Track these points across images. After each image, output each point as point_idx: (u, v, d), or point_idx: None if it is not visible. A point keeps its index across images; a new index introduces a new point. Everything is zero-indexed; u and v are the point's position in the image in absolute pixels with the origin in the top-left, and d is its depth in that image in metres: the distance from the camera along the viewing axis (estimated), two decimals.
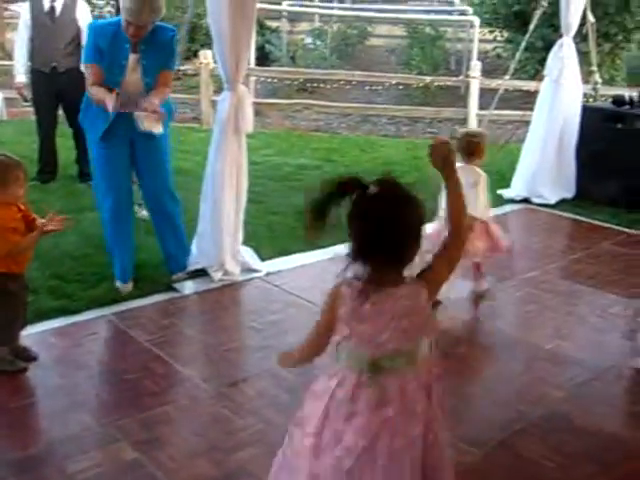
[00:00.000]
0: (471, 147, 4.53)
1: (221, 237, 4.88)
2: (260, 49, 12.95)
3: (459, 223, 2.19)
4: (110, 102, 4.24)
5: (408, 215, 2.09)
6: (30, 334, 3.79)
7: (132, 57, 4.43)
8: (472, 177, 4.37)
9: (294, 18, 16.21)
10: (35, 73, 7.02)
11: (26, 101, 7.54)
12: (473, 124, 9.85)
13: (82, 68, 6.96)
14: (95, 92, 4.40)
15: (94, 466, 3.02)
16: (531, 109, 7.46)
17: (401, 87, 12.44)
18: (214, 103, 6.90)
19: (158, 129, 4.45)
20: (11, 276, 3.58)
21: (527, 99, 9.74)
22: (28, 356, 3.75)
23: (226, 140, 4.77)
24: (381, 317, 2.12)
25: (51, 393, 3.60)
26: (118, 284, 4.70)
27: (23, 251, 3.59)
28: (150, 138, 4.50)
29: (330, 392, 2.20)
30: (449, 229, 2.20)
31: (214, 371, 3.90)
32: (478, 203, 4.40)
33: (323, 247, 5.52)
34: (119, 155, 4.56)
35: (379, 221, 2.06)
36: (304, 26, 16.50)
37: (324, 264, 5.02)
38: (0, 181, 3.43)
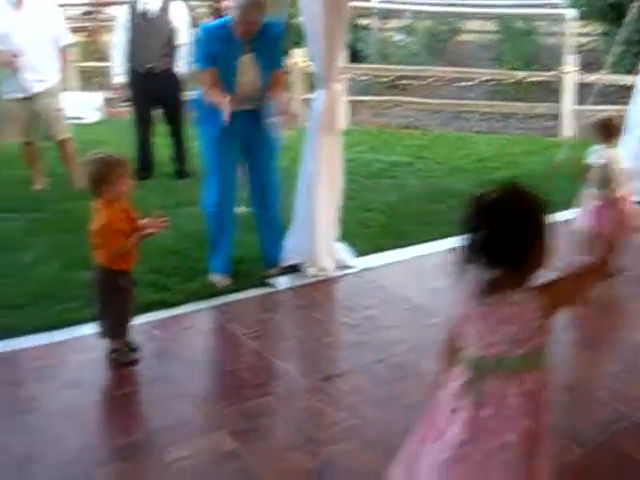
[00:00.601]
0: (611, 129, 4.76)
1: (315, 233, 4.92)
2: (351, 47, 12.95)
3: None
4: (225, 111, 4.31)
5: (532, 222, 2.07)
6: (132, 326, 3.89)
7: (245, 57, 4.51)
8: (613, 157, 4.72)
9: (384, 15, 16.14)
10: (132, 74, 7.22)
11: (124, 101, 7.77)
12: (567, 120, 9.63)
13: (176, 69, 7.20)
14: (211, 96, 4.48)
15: (193, 455, 3.09)
16: (627, 104, 7.23)
17: (493, 83, 12.25)
18: (306, 102, 6.97)
19: (279, 125, 4.58)
20: (121, 273, 3.69)
21: (623, 93, 9.45)
22: (131, 348, 3.87)
23: (320, 138, 4.80)
24: (489, 319, 2.13)
25: (152, 383, 3.71)
26: (216, 277, 4.80)
27: (126, 252, 3.69)
28: (266, 134, 4.62)
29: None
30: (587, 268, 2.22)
31: (309, 365, 3.94)
32: (618, 181, 4.70)
33: (418, 243, 5.55)
34: (231, 151, 4.69)
35: (502, 227, 2.05)
36: (394, 23, 16.42)
37: (420, 260, 5.01)
38: (105, 178, 3.51)
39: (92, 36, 12.96)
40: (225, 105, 4.32)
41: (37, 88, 6.67)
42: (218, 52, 4.47)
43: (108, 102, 10.45)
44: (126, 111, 8.00)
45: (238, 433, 3.23)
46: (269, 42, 4.55)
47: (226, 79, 4.49)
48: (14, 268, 4.98)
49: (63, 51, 7.01)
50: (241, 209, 5.30)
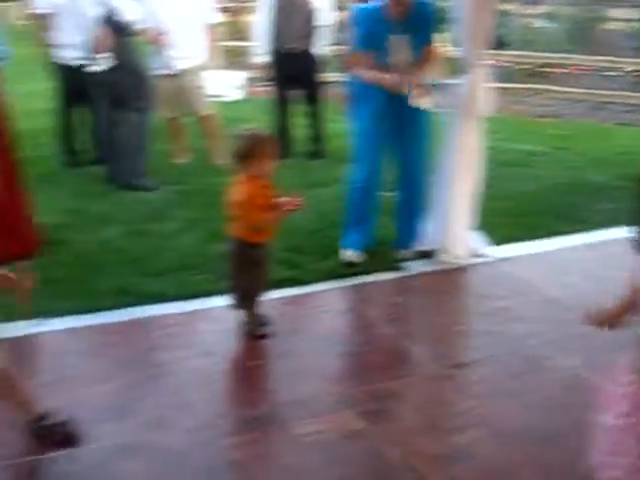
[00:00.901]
0: None
1: (451, 220, 4.86)
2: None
3: None
4: (390, 80, 4.37)
5: None
6: (264, 301, 3.96)
7: (397, 37, 4.50)
8: None
9: (527, 1, 15.76)
10: (273, 54, 7.32)
11: (265, 81, 7.89)
12: None
13: (316, 50, 7.26)
14: (371, 75, 4.53)
15: (319, 431, 3.11)
16: None
17: (637, 73, 11.73)
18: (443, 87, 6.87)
19: (425, 103, 4.56)
20: (256, 245, 3.76)
21: None
22: (262, 322, 3.94)
23: (462, 124, 4.73)
24: None
25: (281, 357, 3.77)
26: (349, 253, 4.82)
27: (264, 228, 3.75)
28: (417, 114, 4.63)
29: None
30: None
31: (439, 352, 3.90)
32: None
33: (553, 236, 5.38)
34: (380, 131, 4.71)
35: None
36: (537, 9, 16.00)
37: (555, 253, 4.86)
38: (251, 154, 3.57)
39: (235, 16, 13.24)
40: (391, 76, 4.35)
41: (182, 65, 6.87)
42: (371, 32, 4.49)
43: (249, 81, 10.66)
44: (266, 91, 8.12)
45: (366, 413, 3.24)
46: (421, 22, 4.54)
47: (379, 60, 4.50)
48: (156, 237, 5.18)
49: (209, 30, 7.18)
50: (386, 193, 5.29)
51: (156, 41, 6.72)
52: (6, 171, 4.77)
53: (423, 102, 4.53)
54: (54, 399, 3.14)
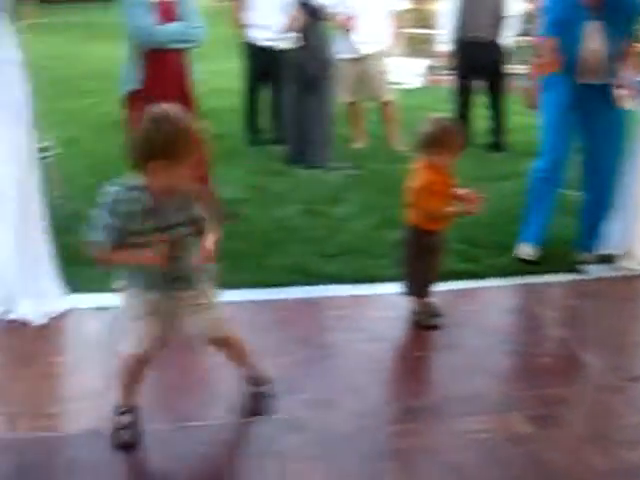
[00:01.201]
0: None
1: (635, 224, 4.62)
2: None
3: None
4: None
5: None
6: (436, 292, 3.92)
7: (591, 24, 4.30)
8: None
9: None
10: (457, 43, 7.21)
11: (448, 69, 7.80)
12: None
13: (502, 40, 7.08)
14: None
15: (483, 430, 3.04)
16: None
17: None
18: None
19: (631, 104, 4.40)
20: (431, 233, 3.72)
21: None
22: (433, 312, 3.90)
23: None
24: None
25: (449, 351, 3.71)
26: (525, 247, 4.68)
27: (441, 216, 3.70)
28: (611, 109, 4.44)
29: None
30: None
31: (614, 362, 3.71)
32: None
33: None
34: (568, 123, 4.54)
35: None
36: None
37: None
38: (438, 142, 3.52)
39: (420, 3, 13.16)
40: None
41: (366, 50, 6.90)
42: (564, 19, 4.32)
43: (430, 69, 10.58)
44: (447, 79, 8.03)
45: (534, 418, 3.13)
46: (620, 9, 4.28)
47: (568, 48, 4.33)
48: (332, 219, 5.26)
49: (394, 16, 7.17)
50: (571, 192, 5.10)
51: (345, 25, 6.79)
52: (197, 152, 5.02)
53: (628, 102, 4.29)
54: (226, 368, 3.26)
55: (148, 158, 2.43)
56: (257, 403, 3.10)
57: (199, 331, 2.91)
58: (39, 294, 3.90)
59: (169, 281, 2.69)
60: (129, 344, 2.80)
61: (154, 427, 2.96)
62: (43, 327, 3.78)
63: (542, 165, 4.63)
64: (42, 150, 4.12)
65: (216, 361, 3.18)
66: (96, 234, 2.55)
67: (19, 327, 3.77)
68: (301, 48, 6.46)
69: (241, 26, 7.01)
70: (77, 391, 3.19)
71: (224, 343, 2.98)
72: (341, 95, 7.05)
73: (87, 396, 3.17)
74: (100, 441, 2.87)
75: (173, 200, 2.58)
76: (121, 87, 4.76)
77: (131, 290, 2.74)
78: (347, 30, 6.82)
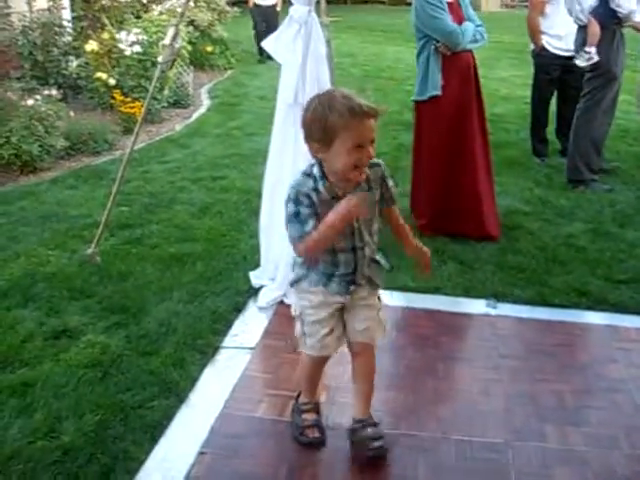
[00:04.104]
0: None
1: None
2: None
3: None
4: None
5: None
6: None
7: None
8: None
9: None
10: None
11: None
12: None
13: None
14: None
15: None
16: None
17: None
18: None
19: None
20: None
21: None
22: None
23: None
24: None
25: None
26: None
27: None
28: None
29: None
30: None
31: None
32: None
33: None
34: None
35: None
36: None
37: None
38: None
39: None
40: None
41: None
42: None
43: None
44: None
45: None
46: None
47: None
48: (620, 242, 4.87)
49: None
50: None
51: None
52: (486, 155, 4.90)
53: None
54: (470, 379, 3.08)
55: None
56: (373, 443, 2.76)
57: (360, 332, 2.71)
58: None
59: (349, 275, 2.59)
60: (310, 348, 2.73)
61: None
62: None
63: None
64: None
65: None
66: (292, 229, 2.46)
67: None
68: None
69: (537, 34, 6.71)
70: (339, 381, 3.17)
71: (370, 352, 2.75)
72: None
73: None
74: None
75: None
76: (420, 92, 4.74)
77: (309, 289, 2.65)
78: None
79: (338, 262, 2.56)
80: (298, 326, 2.75)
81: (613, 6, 5.66)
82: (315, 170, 2.45)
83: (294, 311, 2.76)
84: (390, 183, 2.56)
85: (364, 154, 2.35)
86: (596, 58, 5.72)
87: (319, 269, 2.60)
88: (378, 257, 2.67)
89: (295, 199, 2.43)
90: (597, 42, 5.73)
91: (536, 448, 2.85)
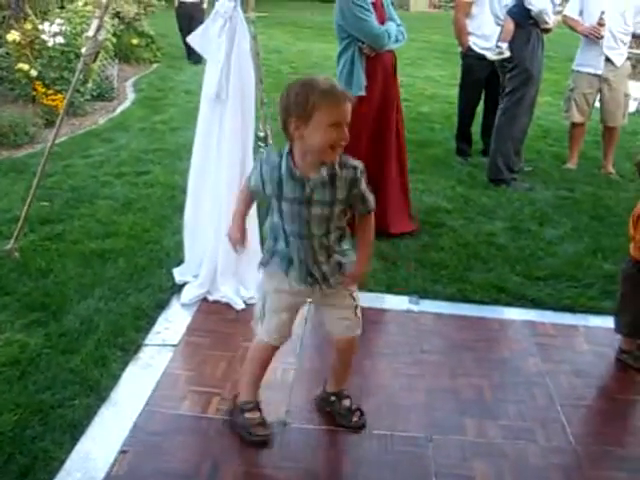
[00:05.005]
0: None
1: None
2: None
3: None
4: None
5: None
6: None
7: None
8: None
9: None
10: None
11: None
12: None
13: None
14: None
15: None
16: None
17: None
18: None
19: None
20: None
21: None
22: None
23: None
24: None
25: None
26: None
27: None
28: None
29: None
30: None
31: None
32: None
33: None
34: None
35: None
36: None
37: None
38: None
39: None
40: None
41: (618, 62, 6.42)
42: None
43: None
44: None
45: None
46: None
47: None
48: (538, 240, 5.01)
49: None
50: None
51: (590, 34, 6.36)
52: (400, 157, 4.96)
53: None
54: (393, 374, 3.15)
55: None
56: (353, 417, 2.99)
57: (337, 328, 2.82)
58: (241, 280, 3.98)
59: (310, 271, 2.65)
60: (265, 332, 2.80)
61: None
62: (241, 312, 3.85)
63: None
64: (259, 140, 4.17)
65: None
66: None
67: (218, 309, 3.89)
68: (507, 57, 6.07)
69: (463, 35, 6.82)
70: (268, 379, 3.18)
71: (350, 345, 2.88)
72: (572, 114, 6.70)
73: (275, 387, 3.19)
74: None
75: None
76: None
77: (273, 273, 2.71)
78: (593, 39, 6.38)
79: (289, 243, 2.61)
80: (258, 308, 2.81)
81: (526, 4, 5.81)
82: (284, 150, 2.52)
83: (257, 293, 2.83)
84: (362, 189, 2.56)
85: (340, 134, 2.40)
86: (507, 53, 5.91)
87: (280, 252, 2.66)
88: (341, 258, 2.67)
89: (259, 166, 2.59)
90: (510, 39, 5.90)
91: (456, 441, 2.92)
